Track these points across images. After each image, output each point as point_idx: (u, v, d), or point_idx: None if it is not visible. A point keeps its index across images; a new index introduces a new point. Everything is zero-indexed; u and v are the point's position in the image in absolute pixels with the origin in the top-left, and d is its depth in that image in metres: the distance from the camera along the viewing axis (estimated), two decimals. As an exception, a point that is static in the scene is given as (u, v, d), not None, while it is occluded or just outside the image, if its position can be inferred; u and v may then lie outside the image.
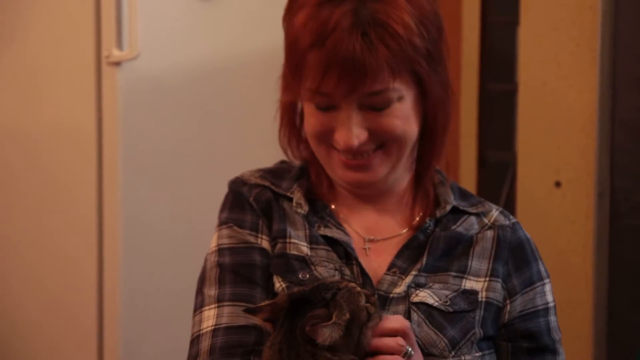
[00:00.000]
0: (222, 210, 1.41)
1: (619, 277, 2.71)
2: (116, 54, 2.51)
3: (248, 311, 1.23)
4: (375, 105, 1.28)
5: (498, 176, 3.46)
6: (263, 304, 1.24)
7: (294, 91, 1.35)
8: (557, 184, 2.74)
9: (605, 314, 2.72)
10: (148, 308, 2.62)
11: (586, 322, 2.69)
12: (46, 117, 2.71)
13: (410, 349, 1.22)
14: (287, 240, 1.35)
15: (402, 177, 1.39)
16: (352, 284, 1.22)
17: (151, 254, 2.64)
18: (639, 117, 2.68)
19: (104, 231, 2.61)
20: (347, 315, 1.18)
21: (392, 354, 1.18)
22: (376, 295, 1.31)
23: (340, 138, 1.29)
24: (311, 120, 1.32)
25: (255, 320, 1.24)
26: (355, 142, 1.28)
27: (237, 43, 2.77)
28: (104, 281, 2.62)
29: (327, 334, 1.16)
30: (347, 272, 1.33)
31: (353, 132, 1.28)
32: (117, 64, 2.52)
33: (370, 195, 1.39)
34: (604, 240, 2.71)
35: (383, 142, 1.31)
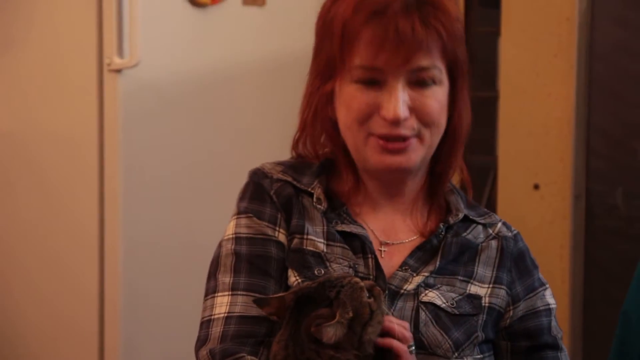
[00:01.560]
0: (241, 199, 1.39)
1: (594, 275, 2.76)
2: (117, 61, 2.50)
3: (256, 301, 1.25)
4: (420, 79, 1.30)
5: (480, 179, 3.42)
6: (272, 296, 1.27)
7: (339, 73, 1.33)
8: (536, 187, 2.80)
9: (581, 310, 2.78)
10: (148, 310, 2.60)
11: (563, 318, 2.73)
12: (48, 123, 2.68)
13: (413, 347, 1.25)
14: (305, 236, 1.35)
15: (420, 177, 1.41)
16: (356, 279, 1.23)
17: (151, 257, 2.63)
18: (614, 124, 2.73)
19: (105, 236, 2.60)
20: (350, 314, 1.20)
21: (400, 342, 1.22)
22: (387, 291, 1.32)
23: (388, 110, 1.29)
24: (354, 103, 1.32)
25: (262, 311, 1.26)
26: (403, 113, 1.29)
27: (236, 51, 2.76)
28: (105, 284, 2.61)
29: (332, 333, 1.18)
30: (361, 269, 1.33)
31: (401, 103, 1.29)
32: (118, 71, 2.51)
33: (391, 193, 1.39)
34: (580, 240, 2.77)
35: (420, 126, 1.33)
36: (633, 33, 2.68)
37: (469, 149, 4.08)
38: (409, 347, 1.25)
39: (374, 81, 1.31)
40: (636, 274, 1.54)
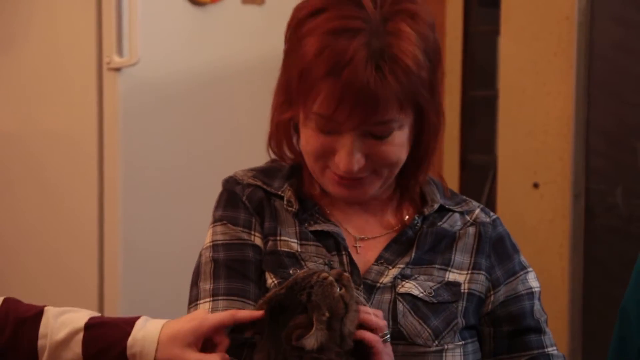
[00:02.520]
0: (216, 208, 1.42)
1: (593, 273, 2.76)
2: (117, 60, 2.52)
3: (234, 331, 1.26)
4: (376, 134, 1.31)
5: (480, 178, 3.42)
6: (248, 318, 1.25)
7: (297, 111, 1.34)
8: (535, 185, 2.81)
9: (580, 308, 2.78)
10: (148, 310, 2.45)
11: (562, 316, 2.75)
12: (47, 121, 2.70)
13: (388, 336, 1.27)
14: (278, 237, 1.37)
15: (385, 189, 1.41)
16: (323, 275, 1.23)
17: (151, 257, 2.63)
18: (613, 123, 2.73)
19: (105, 235, 2.60)
20: (327, 314, 1.20)
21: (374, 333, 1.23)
22: (362, 285, 1.33)
23: (340, 162, 1.30)
24: (311, 141, 1.33)
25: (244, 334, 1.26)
26: (356, 167, 1.30)
27: (235, 50, 2.77)
28: (105, 284, 2.61)
29: (313, 341, 1.19)
30: (336, 265, 1.34)
31: (354, 157, 1.30)
32: (118, 70, 2.52)
33: (357, 202, 1.41)
34: (579, 239, 2.77)
35: (376, 167, 1.34)
36: (632, 32, 2.69)
37: (469, 148, 4.09)
38: (384, 335, 1.26)
39: (332, 130, 1.31)
40: (635, 272, 1.54)
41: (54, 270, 2.70)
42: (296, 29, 1.33)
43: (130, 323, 1.29)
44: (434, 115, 1.36)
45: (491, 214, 1.46)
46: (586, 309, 2.77)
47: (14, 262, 2.77)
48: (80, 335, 1.28)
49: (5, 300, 1.32)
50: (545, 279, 2.72)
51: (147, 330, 1.28)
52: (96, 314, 1.32)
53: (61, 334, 1.28)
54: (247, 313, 1.26)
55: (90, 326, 1.28)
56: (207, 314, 1.28)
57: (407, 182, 1.42)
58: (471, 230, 1.42)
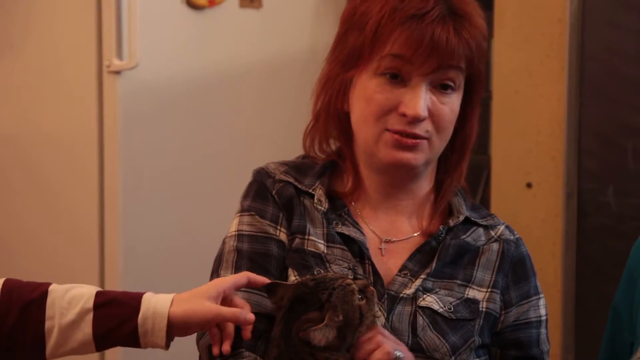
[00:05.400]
0: (245, 197, 1.42)
1: (585, 272, 2.78)
2: (116, 63, 2.53)
3: (269, 286, 1.28)
4: (442, 86, 1.34)
5: (473, 178, 3.36)
6: (281, 282, 1.29)
7: (363, 67, 1.35)
8: (528, 185, 2.82)
9: (573, 305, 2.79)
10: None
11: (555, 314, 2.76)
12: (47, 124, 2.70)
13: (401, 354, 1.25)
14: (306, 236, 1.36)
15: (424, 183, 1.43)
16: (348, 281, 1.25)
17: (151, 258, 2.64)
18: (604, 123, 2.74)
19: (105, 237, 2.61)
20: (340, 317, 1.22)
21: None
22: (386, 295, 1.34)
23: (409, 108, 1.32)
24: (375, 96, 1.33)
25: (268, 300, 1.29)
26: (424, 112, 1.32)
27: (233, 53, 2.78)
28: (105, 285, 2.61)
29: (320, 336, 1.20)
30: (360, 271, 1.35)
31: (423, 102, 1.32)
32: (117, 72, 2.54)
33: (390, 193, 1.41)
34: (572, 238, 2.78)
35: (433, 130, 1.34)
36: (623, 34, 2.70)
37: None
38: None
39: (398, 76, 1.34)
40: (626, 270, 1.56)
41: (54, 271, 2.70)
42: (362, 2, 1.37)
43: (136, 298, 1.28)
44: (477, 103, 1.40)
45: (515, 233, 1.46)
46: (579, 306, 2.78)
47: (14, 262, 2.77)
48: (90, 316, 1.27)
49: (5, 282, 1.30)
50: (539, 277, 2.73)
51: (156, 306, 1.27)
52: (99, 288, 1.31)
53: (70, 315, 1.27)
54: (261, 277, 1.29)
55: (99, 305, 1.27)
56: (222, 277, 1.31)
57: (444, 178, 1.43)
58: (495, 246, 1.42)
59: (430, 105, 1.34)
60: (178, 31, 2.68)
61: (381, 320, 1.33)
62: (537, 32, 2.78)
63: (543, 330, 1.43)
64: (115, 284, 2.60)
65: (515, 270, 1.42)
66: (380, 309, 1.32)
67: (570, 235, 2.79)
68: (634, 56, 2.69)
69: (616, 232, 2.71)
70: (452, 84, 1.35)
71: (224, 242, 1.41)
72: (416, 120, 1.33)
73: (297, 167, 1.43)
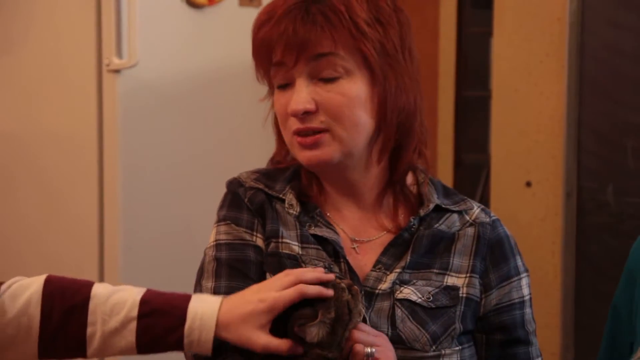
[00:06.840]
0: (220, 208, 1.44)
1: (585, 270, 2.79)
2: (116, 62, 2.52)
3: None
4: (323, 74, 1.33)
5: (473, 177, 3.48)
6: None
7: (269, 81, 1.39)
8: (528, 184, 2.83)
9: (572, 304, 2.80)
10: None
11: (555, 312, 2.77)
12: (47, 123, 2.69)
13: (373, 350, 1.25)
14: (280, 240, 1.38)
15: (366, 175, 1.41)
16: (338, 280, 1.26)
17: (151, 257, 2.63)
18: (604, 122, 2.75)
19: (105, 236, 2.60)
20: (333, 314, 1.23)
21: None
22: (362, 291, 1.33)
23: (290, 105, 1.33)
24: (276, 106, 1.38)
25: None
26: (300, 106, 1.32)
27: (232, 52, 2.76)
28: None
29: (315, 332, 1.21)
30: (336, 269, 1.35)
31: (300, 96, 1.33)
32: (117, 71, 2.53)
33: (346, 193, 1.41)
34: (572, 237, 2.79)
35: (329, 121, 1.33)
36: (623, 33, 2.71)
37: (462, 148, 4.09)
38: (367, 355, 1.25)
39: (286, 81, 1.36)
40: (625, 269, 1.56)
41: (54, 270, 2.55)
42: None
43: (181, 307, 1.26)
44: (395, 83, 1.36)
45: (491, 214, 1.44)
46: (578, 305, 2.79)
47: (14, 262, 2.75)
48: (134, 324, 1.26)
49: (47, 282, 1.29)
50: (538, 276, 2.76)
51: (203, 318, 1.26)
52: (142, 292, 1.30)
53: (113, 323, 1.26)
54: (316, 289, 1.26)
55: (144, 315, 1.26)
56: (275, 295, 1.26)
57: (395, 168, 1.41)
58: (470, 231, 1.41)
59: (315, 96, 1.33)
60: (178, 30, 2.66)
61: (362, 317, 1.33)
62: (537, 31, 2.78)
63: (527, 310, 1.41)
64: (115, 281, 2.54)
65: (493, 252, 1.40)
66: (363, 308, 1.32)
67: (570, 234, 2.80)
68: (634, 55, 2.70)
69: (616, 231, 2.71)
70: (333, 72, 1.34)
71: (204, 253, 1.43)
72: (297, 114, 1.34)
73: (268, 174, 1.45)
